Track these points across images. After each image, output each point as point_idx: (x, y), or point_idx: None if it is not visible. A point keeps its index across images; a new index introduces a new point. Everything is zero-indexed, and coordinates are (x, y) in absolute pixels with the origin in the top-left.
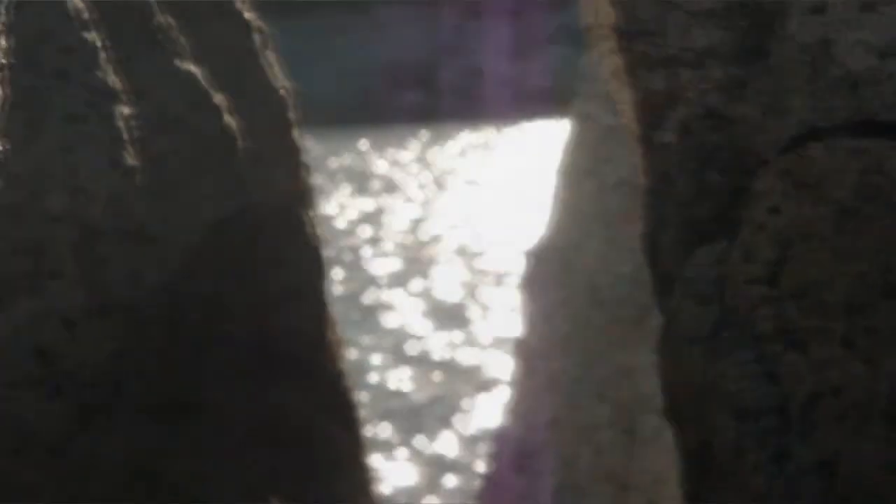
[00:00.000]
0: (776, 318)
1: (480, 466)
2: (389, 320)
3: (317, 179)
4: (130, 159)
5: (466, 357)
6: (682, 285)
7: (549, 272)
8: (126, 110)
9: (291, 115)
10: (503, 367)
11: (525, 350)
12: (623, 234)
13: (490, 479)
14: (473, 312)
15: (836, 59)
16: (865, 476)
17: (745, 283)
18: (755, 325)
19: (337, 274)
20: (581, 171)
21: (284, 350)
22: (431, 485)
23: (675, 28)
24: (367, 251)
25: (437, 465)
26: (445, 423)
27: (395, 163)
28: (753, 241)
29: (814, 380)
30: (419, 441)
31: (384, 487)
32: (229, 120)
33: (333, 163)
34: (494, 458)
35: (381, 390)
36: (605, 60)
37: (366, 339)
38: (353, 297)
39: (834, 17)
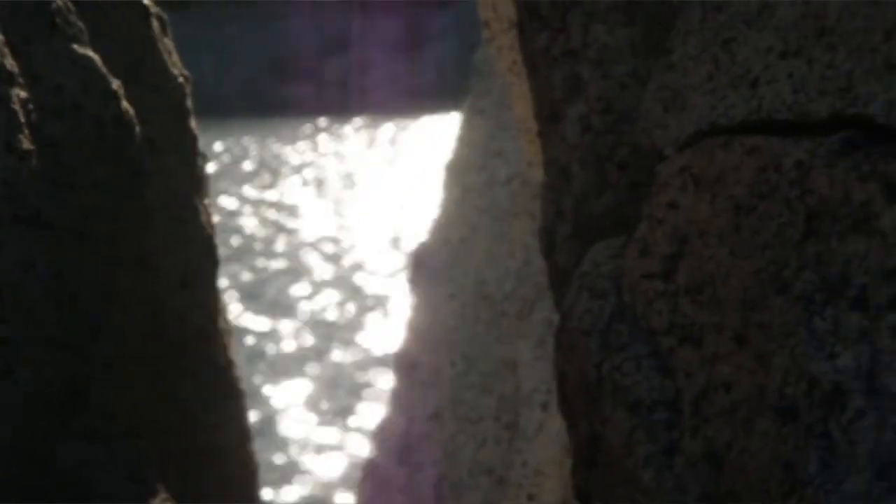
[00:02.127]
0: (671, 312)
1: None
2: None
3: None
4: (26, 143)
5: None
6: (578, 279)
7: (437, 266)
8: (22, 94)
9: (188, 102)
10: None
11: (410, 342)
12: (511, 229)
13: (371, 471)
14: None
15: (736, 57)
16: (753, 470)
17: (641, 278)
18: (650, 320)
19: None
20: (471, 165)
21: (175, 338)
22: None
23: (577, 23)
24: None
25: None
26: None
27: (277, 156)
28: (650, 236)
29: (706, 374)
30: None
31: None
32: (126, 106)
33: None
34: (376, 449)
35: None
36: (503, 55)
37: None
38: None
39: (735, 14)
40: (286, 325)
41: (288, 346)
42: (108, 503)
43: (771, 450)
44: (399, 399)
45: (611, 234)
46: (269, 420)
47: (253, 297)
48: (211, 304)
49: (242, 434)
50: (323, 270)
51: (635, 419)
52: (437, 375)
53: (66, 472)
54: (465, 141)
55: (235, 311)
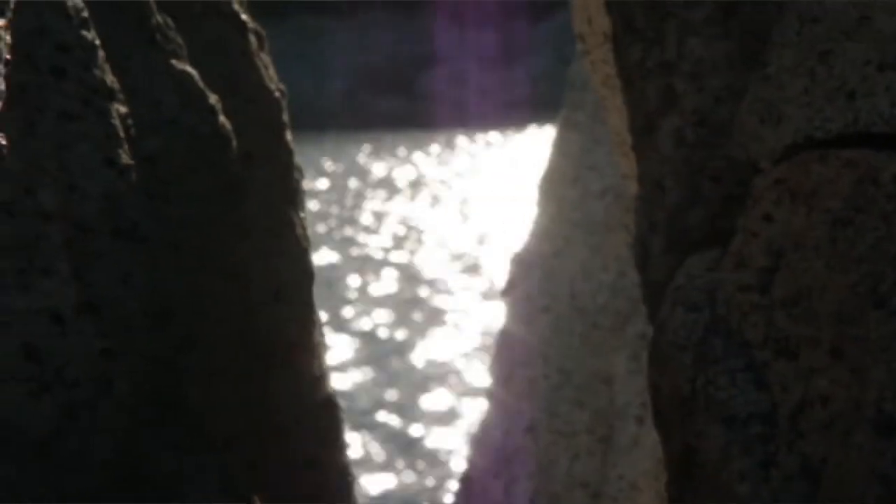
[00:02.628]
0: (766, 325)
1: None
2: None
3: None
4: (125, 158)
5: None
6: (673, 293)
7: (532, 278)
8: (122, 109)
9: (284, 116)
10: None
11: (505, 355)
12: (605, 242)
13: (468, 484)
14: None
15: (833, 70)
16: (850, 484)
17: (737, 291)
18: (745, 333)
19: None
20: (565, 178)
21: (268, 350)
22: None
23: (672, 35)
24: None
25: None
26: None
27: (374, 169)
28: (746, 249)
29: (802, 388)
30: None
31: None
32: (223, 120)
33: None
34: (473, 462)
35: None
36: (597, 68)
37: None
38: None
39: (832, 26)
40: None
41: None
42: None
43: (868, 464)
44: (495, 411)
45: (705, 247)
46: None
47: None
48: (304, 317)
49: (337, 445)
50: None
51: (730, 433)
52: (532, 388)
53: (160, 484)
54: (560, 154)
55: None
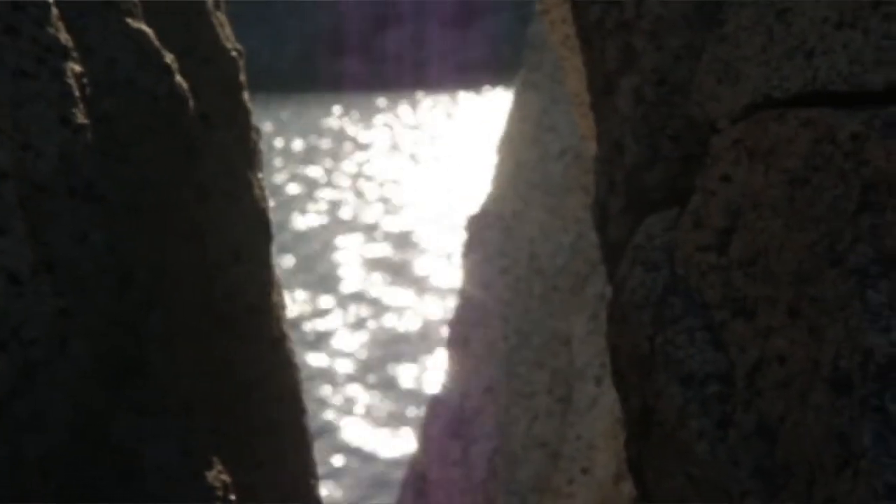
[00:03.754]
0: (724, 285)
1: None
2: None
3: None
4: (80, 117)
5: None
6: (632, 252)
7: (490, 240)
8: (76, 68)
9: (242, 77)
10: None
11: (463, 317)
12: (564, 203)
13: (426, 444)
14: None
15: (791, 28)
16: (807, 443)
17: (695, 251)
18: (703, 293)
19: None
20: (524, 139)
21: (228, 312)
22: None
23: None
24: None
25: None
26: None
27: (329, 130)
28: (704, 209)
29: (759, 347)
30: None
31: None
32: (179, 80)
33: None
34: (431, 423)
35: None
36: (556, 28)
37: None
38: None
39: None
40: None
41: None
42: (161, 476)
43: (825, 423)
44: (453, 373)
45: (664, 206)
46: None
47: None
48: (264, 279)
49: (297, 407)
50: None
51: (689, 392)
52: (491, 350)
53: (118, 446)
54: (518, 115)
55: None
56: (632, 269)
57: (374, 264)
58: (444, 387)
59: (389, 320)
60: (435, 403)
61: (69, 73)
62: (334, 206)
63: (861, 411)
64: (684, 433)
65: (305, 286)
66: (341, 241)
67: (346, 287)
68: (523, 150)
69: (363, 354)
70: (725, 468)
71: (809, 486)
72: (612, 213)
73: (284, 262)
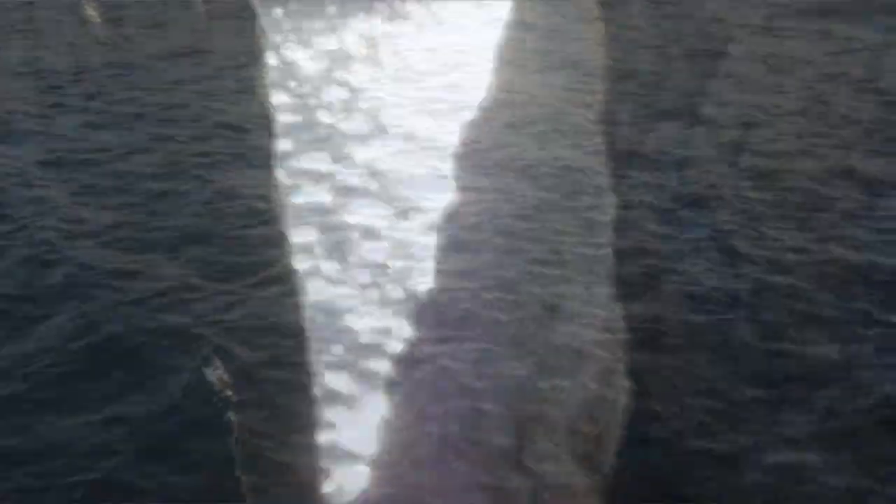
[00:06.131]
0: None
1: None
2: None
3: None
4: None
5: None
6: (641, 161)
7: (486, 151)
8: None
9: None
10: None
11: (451, 221)
12: (565, 113)
13: (412, 349)
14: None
15: None
16: None
17: (707, 161)
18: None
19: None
20: (525, 50)
21: None
22: None
23: None
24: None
25: None
26: None
27: (327, 30)
28: (718, 120)
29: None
30: None
31: None
32: None
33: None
34: (418, 326)
35: None
36: None
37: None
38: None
39: None
40: None
41: None
42: None
43: None
44: (441, 280)
45: (676, 117)
46: None
47: None
48: None
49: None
50: None
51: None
52: (478, 259)
53: None
54: (519, 25)
55: None
56: (641, 176)
57: None
58: (433, 286)
59: None
60: (422, 306)
61: None
62: None
63: None
64: None
65: None
66: None
67: None
68: (524, 60)
69: None
70: None
71: None
72: (624, 123)
73: None
